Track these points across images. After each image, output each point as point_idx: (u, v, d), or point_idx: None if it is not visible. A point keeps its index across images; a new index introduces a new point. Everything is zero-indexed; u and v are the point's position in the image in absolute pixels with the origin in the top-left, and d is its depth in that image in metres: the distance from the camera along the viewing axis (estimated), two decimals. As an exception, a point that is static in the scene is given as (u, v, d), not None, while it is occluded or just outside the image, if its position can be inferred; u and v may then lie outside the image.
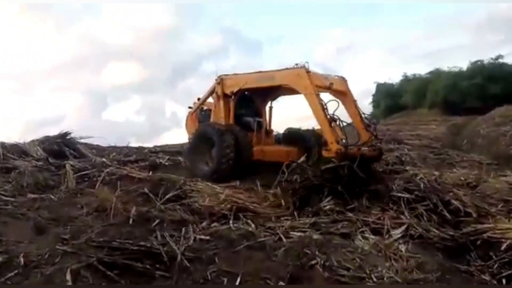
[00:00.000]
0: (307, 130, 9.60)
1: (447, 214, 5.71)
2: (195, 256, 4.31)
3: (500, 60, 30.10)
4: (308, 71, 7.64)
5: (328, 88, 7.78)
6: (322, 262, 4.20)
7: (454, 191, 6.68)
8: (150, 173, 8.21)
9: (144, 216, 5.50)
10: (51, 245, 4.06)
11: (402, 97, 35.33)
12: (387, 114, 32.93)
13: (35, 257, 3.74)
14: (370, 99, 40.90)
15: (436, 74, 34.44)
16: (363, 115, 7.93)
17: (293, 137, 9.53)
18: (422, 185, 6.58)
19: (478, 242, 4.82)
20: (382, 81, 39.99)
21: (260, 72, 8.69)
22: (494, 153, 13.65)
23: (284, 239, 5.21)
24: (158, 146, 14.80)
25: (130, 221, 5.28)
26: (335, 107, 7.34)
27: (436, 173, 8.40)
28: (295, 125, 10.39)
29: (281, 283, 3.78)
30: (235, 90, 8.94)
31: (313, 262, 4.21)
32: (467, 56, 75.66)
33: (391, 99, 36.59)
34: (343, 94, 8.09)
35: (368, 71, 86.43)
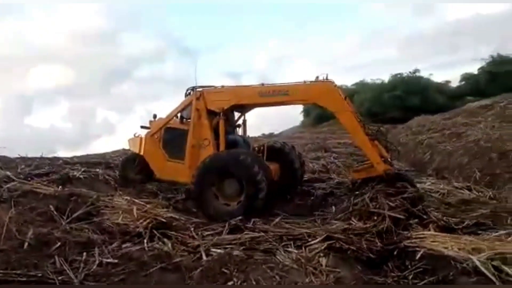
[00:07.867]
0: (285, 144, 8.83)
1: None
2: (96, 285, 3.83)
3: (417, 74, 32.72)
4: (335, 85, 6.99)
5: None
6: (239, 282, 3.93)
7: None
8: (60, 188, 7.40)
9: (43, 238, 4.84)
10: None
11: (329, 107, 36.60)
12: (316, 122, 33.93)
13: None
14: (301, 108, 42.01)
15: (361, 85, 36.41)
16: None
17: (273, 153, 8.42)
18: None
19: (395, 252, 4.83)
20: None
21: (263, 85, 7.56)
22: (412, 161, 14.51)
23: (204, 257, 4.86)
24: (77, 157, 13.70)
25: (25, 246, 4.63)
26: None
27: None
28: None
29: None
30: (226, 106, 7.58)
31: (230, 283, 3.92)
32: (393, 69, 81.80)
33: (320, 109, 37.82)
34: None
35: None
